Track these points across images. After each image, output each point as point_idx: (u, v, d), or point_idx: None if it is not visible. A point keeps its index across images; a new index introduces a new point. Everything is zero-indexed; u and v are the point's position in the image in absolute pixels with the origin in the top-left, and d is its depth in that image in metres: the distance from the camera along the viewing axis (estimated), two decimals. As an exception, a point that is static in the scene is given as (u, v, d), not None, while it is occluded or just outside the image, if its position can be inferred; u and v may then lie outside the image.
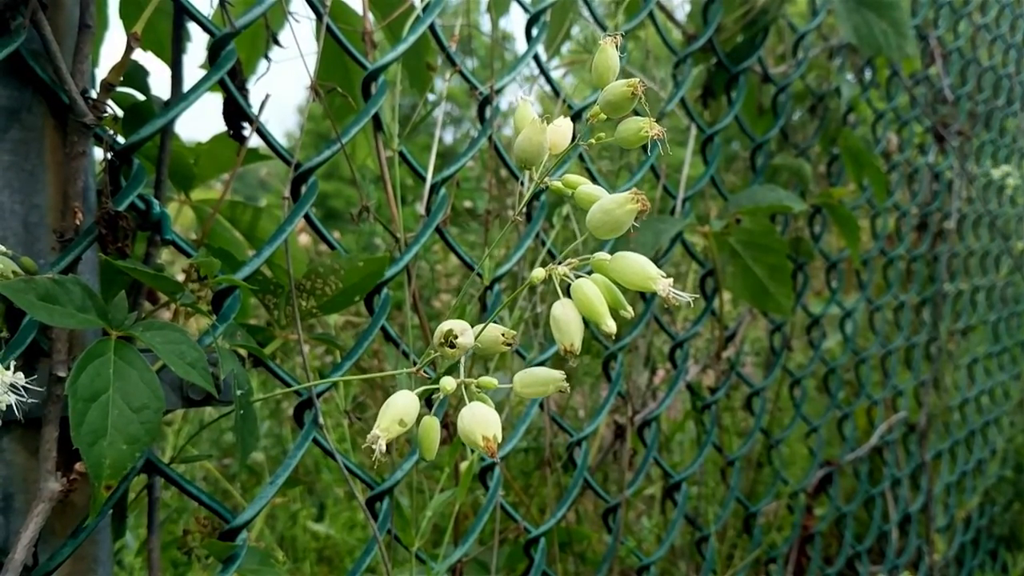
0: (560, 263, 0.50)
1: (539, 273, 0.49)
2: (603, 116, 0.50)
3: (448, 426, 0.91)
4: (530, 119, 0.50)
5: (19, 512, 0.61)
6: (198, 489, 0.69)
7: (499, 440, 0.47)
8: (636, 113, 0.50)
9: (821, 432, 1.58)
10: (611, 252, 0.50)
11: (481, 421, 0.47)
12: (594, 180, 1.06)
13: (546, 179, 0.52)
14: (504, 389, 0.52)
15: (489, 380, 0.51)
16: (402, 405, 0.49)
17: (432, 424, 0.51)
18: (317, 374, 0.95)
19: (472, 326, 0.50)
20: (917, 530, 1.83)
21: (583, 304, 0.48)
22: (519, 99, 0.53)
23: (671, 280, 0.48)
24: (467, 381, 0.50)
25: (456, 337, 0.48)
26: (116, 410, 0.54)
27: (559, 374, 0.51)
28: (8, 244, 0.59)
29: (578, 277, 0.49)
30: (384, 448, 0.47)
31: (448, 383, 0.50)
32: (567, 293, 0.49)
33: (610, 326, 0.48)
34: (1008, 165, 2.08)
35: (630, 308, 0.50)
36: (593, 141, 0.50)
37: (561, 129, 0.52)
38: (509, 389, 0.52)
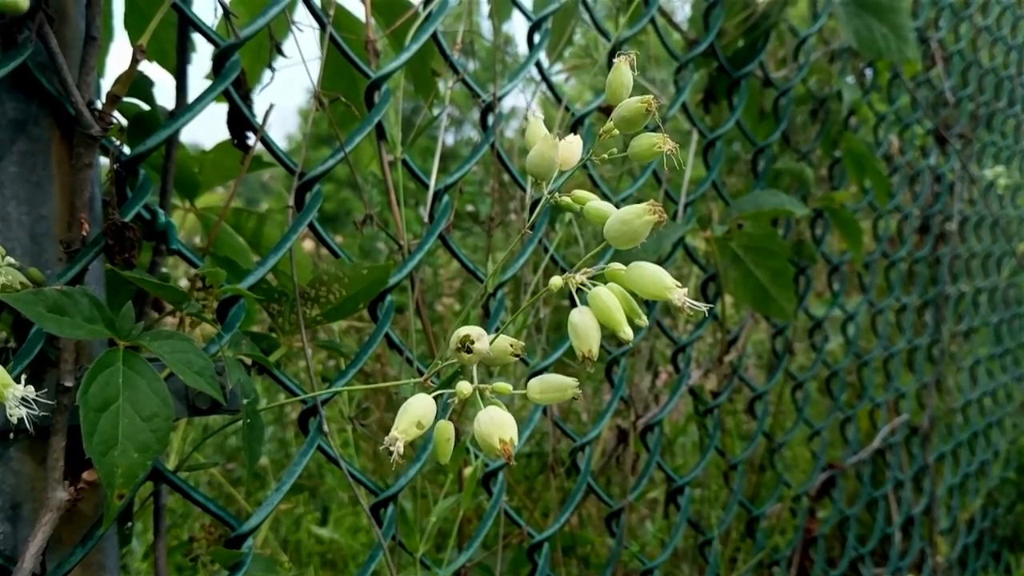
0: (576, 272, 0.51)
1: (556, 281, 0.50)
2: (616, 132, 0.51)
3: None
4: (542, 134, 0.51)
5: (27, 521, 0.61)
6: (204, 497, 0.69)
7: (516, 443, 0.48)
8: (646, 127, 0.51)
9: (824, 435, 1.58)
10: (612, 258, 0.51)
11: (498, 424, 0.48)
12: (596, 185, 1.07)
13: (556, 195, 0.53)
14: (509, 394, 0.53)
15: (504, 386, 0.51)
16: (420, 407, 0.50)
17: (446, 428, 0.52)
18: (321, 380, 0.95)
19: (476, 331, 0.51)
20: (920, 532, 1.83)
21: (601, 312, 0.49)
22: (531, 114, 0.55)
23: (686, 290, 0.49)
24: (482, 387, 0.51)
25: (473, 342, 0.49)
26: (127, 419, 0.55)
27: (573, 381, 0.52)
28: (15, 255, 0.59)
29: (595, 286, 0.50)
30: (402, 450, 0.48)
31: (464, 387, 0.50)
32: (578, 300, 0.50)
33: (627, 333, 0.49)
34: (1001, 166, 2.08)
35: (645, 317, 0.51)
36: (605, 156, 0.52)
37: (572, 145, 0.54)
38: (511, 395, 0.53)
